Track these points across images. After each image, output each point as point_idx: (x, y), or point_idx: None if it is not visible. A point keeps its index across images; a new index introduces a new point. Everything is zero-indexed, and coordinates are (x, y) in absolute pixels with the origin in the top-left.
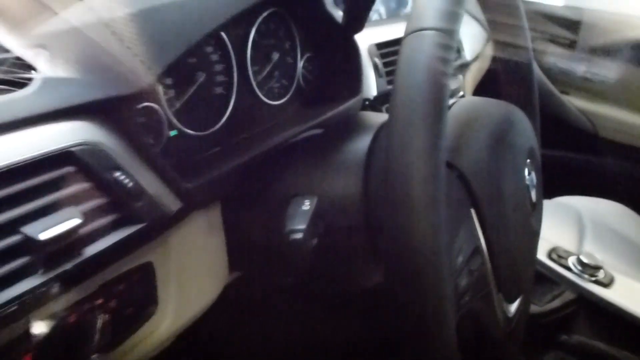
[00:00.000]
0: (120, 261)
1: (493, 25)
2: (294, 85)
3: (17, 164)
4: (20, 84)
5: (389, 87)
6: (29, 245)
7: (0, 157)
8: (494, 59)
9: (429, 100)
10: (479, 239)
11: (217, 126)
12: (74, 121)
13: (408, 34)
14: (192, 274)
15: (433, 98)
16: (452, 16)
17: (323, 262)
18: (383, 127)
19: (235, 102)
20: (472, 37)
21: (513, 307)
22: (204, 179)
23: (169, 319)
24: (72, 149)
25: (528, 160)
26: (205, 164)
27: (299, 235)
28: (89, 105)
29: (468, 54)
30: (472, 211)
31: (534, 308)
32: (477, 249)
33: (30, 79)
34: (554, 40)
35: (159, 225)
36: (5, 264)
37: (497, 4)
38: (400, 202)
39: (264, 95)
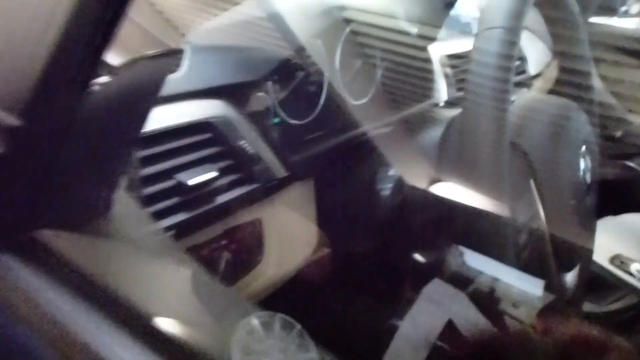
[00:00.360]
0: (240, 212)
1: (555, 38)
2: (374, 88)
3: (172, 127)
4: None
5: (458, 94)
6: (180, 188)
7: (160, 121)
8: (559, 69)
9: (496, 86)
10: (537, 206)
11: (311, 118)
12: (210, 99)
13: (480, 31)
14: (289, 236)
15: (499, 85)
16: (517, 16)
17: (401, 227)
18: (453, 119)
19: (325, 99)
20: (536, 53)
21: (569, 277)
22: (302, 156)
23: (271, 269)
24: (210, 120)
25: (583, 147)
26: (302, 146)
27: (388, 192)
28: (221, 87)
29: (532, 69)
30: (532, 182)
31: (594, 308)
32: (535, 214)
33: (179, 65)
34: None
35: (269, 188)
36: (163, 201)
37: (559, 18)
38: (470, 169)
39: (349, 95)
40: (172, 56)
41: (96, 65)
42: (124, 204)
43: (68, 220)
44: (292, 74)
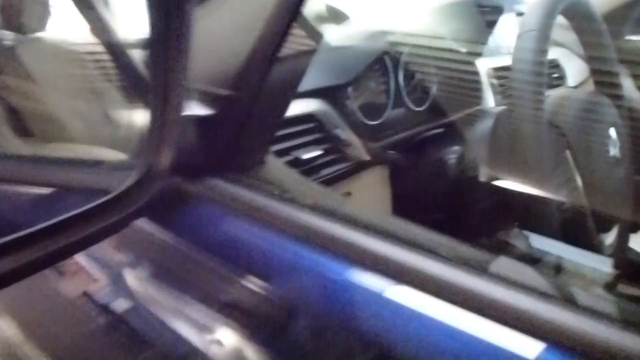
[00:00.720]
0: (336, 185)
1: (584, 45)
2: (431, 97)
3: (290, 117)
4: None
5: (504, 102)
6: (297, 162)
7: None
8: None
9: (532, 75)
10: (574, 173)
11: (381, 120)
12: (314, 98)
13: (519, 34)
14: (371, 209)
15: (535, 74)
16: (547, 21)
17: (462, 203)
18: (501, 113)
19: (392, 105)
20: (575, 68)
21: (607, 237)
22: (379, 146)
23: None
24: (314, 113)
25: (612, 129)
26: (379, 138)
27: (453, 160)
28: (321, 89)
29: (571, 81)
30: (568, 153)
31: None
32: (571, 178)
33: None
34: None
35: (357, 167)
36: None
37: (586, 28)
38: (517, 146)
39: (411, 102)
40: (312, 55)
41: (276, 54)
42: (271, 160)
43: (241, 166)
44: (366, 82)
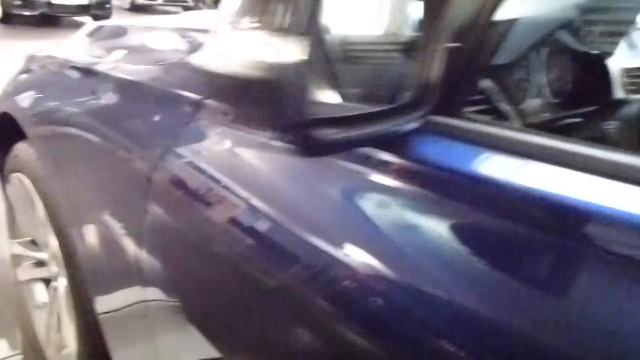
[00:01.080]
0: None
1: None
2: (567, 91)
3: None
4: None
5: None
6: None
7: None
8: None
9: None
10: None
11: (520, 106)
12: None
13: None
14: None
15: None
16: None
17: None
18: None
19: (533, 94)
20: None
21: None
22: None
23: None
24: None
25: None
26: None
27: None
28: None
29: None
30: None
31: None
32: None
33: None
34: None
35: None
36: None
37: None
38: None
39: (551, 93)
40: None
41: (490, 18)
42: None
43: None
44: (514, 67)
